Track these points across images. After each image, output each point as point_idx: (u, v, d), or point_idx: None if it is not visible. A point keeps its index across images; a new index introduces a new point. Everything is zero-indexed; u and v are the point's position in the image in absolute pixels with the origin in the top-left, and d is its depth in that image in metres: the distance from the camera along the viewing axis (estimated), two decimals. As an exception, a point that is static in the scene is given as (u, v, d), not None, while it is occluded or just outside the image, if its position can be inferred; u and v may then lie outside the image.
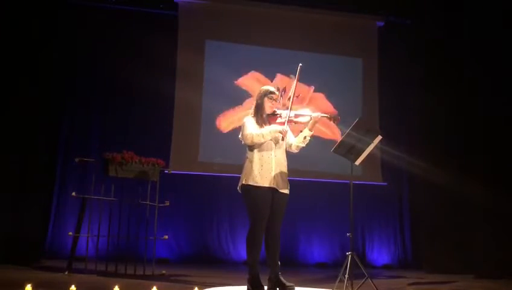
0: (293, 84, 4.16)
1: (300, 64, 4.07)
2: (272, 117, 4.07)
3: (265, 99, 4.07)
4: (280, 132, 3.96)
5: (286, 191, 4.03)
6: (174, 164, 6.97)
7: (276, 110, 4.09)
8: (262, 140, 3.95)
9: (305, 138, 4.06)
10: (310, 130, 4.06)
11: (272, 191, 3.94)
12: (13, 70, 6.26)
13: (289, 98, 4.17)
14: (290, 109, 4.04)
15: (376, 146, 4.42)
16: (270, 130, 3.96)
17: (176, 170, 6.59)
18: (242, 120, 4.11)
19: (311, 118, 4.04)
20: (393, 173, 7.69)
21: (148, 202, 5.35)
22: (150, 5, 7.50)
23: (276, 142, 4.02)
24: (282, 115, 4.05)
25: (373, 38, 8.03)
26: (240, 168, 4.05)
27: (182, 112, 7.33)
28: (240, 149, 4.20)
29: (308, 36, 7.70)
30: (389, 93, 7.87)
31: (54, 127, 6.96)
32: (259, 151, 3.97)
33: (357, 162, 4.42)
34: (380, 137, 4.36)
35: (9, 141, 6.10)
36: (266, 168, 3.93)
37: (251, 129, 3.97)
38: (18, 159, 6.20)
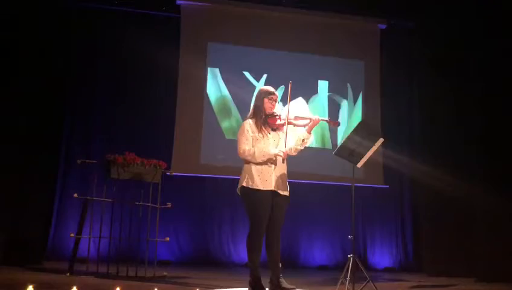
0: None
1: (290, 82, 4.10)
2: (271, 118, 4.07)
3: (265, 100, 4.06)
4: (279, 155, 3.94)
5: (286, 194, 4.02)
6: (176, 165, 6.97)
7: (275, 111, 4.09)
8: (253, 161, 3.94)
9: (303, 140, 4.05)
10: (309, 132, 4.04)
11: (272, 193, 3.94)
12: (15, 71, 6.26)
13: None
14: (288, 111, 4.02)
15: (378, 149, 4.42)
16: (265, 155, 3.93)
17: (178, 171, 6.59)
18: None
19: (310, 120, 4.02)
20: (394, 175, 7.68)
21: (149, 204, 5.35)
22: (152, 7, 7.51)
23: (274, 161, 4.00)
24: (282, 116, 4.04)
25: (375, 41, 8.03)
26: (241, 170, 4.05)
27: (183, 113, 7.34)
28: (241, 151, 4.17)
29: (310, 39, 7.71)
30: (391, 96, 7.88)
31: (55, 128, 6.95)
32: (259, 153, 3.96)
33: (359, 165, 4.41)
34: (381, 140, 4.36)
35: (10, 141, 6.09)
36: (266, 171, 3.93)
37: (245, 144, 3.96)
38: (19, 160, 6.19)
